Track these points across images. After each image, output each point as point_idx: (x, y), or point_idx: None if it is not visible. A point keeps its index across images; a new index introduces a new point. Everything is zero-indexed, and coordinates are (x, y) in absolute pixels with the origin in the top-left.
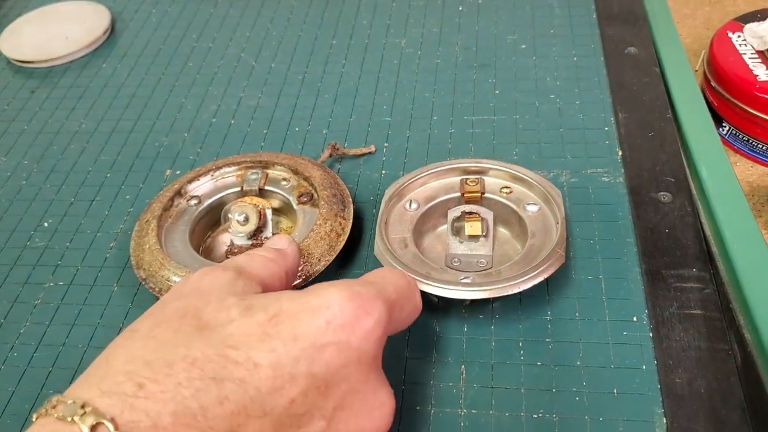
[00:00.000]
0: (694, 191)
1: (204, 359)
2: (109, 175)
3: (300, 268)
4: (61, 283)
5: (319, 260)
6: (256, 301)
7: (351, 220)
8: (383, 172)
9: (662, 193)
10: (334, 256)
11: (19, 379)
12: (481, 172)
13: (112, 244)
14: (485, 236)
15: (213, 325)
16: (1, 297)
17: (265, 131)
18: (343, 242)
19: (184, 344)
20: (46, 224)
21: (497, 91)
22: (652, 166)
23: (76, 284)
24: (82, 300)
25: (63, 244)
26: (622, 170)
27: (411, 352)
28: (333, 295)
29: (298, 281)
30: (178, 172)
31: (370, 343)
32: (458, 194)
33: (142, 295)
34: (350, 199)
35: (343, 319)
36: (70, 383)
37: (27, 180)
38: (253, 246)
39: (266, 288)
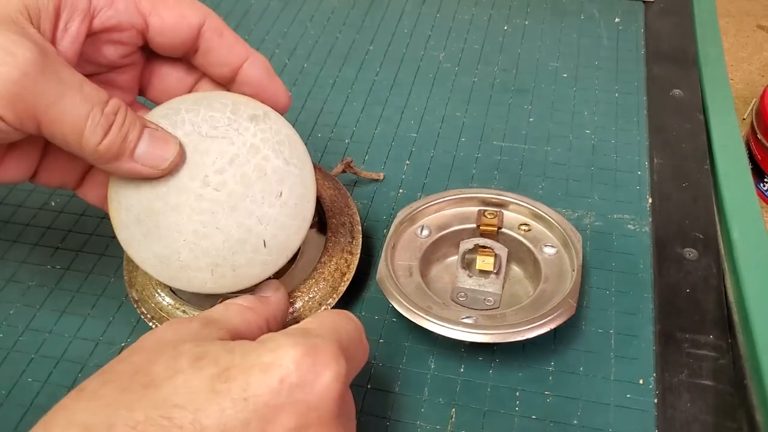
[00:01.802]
0: (722, 251)
1: (147, 422)
2: None
3: (292, 311)
4: (59, 267)
5: (320, 305)
6: (211, 349)
7: (358, 254)
8: (401, 191)
9: (688, 250)
10: (336, 299)
11: (0, 362)
12: (501, 205)
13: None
14: (496, 273)
15: (161, 379)
16: None
17: None
18: (348, 282)
19: (128, 406)
20: (53, 203)
21: (531, 119)
22: (682, 218)
23: (73, 269)
24: (77, 287)
25: (66, 226)
26: (650, 219)
27: (401, 387)
28: (287, 351)
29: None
30: None
31: (330, 402)
32: (474, 225)
33: None
34: (359, 227)
35: (298, 377)
36: (50, 374)
37: None
38: None
39: (240, 338)
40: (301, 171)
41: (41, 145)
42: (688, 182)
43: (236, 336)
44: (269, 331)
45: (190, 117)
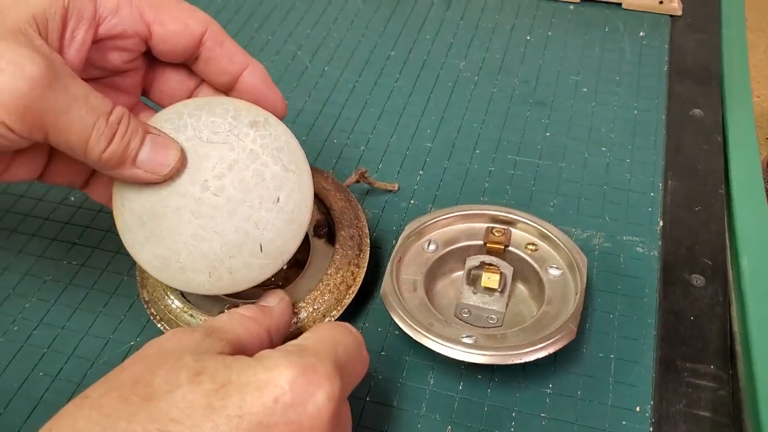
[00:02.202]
0: (730, 280)
1: None
2: None
3: (296, 321)
4: (74, 262)
5: (324, 316)
6: (210, 364)
7: (365, 268)
8: (412, 201)
9: (695, 276)
10: (341, 312)
11: (14, 354)
12: (510, 222)
13: None
14: (501, 292)
15: (160, 392)
16: (15, 267)
17: (303, 138)
18: (353, 295)
19: (127, 417)
20: (72, 198)
21: (548, 134)
22: (692, 243)
23: (88, 266)
24: (91, 284)
25: (84, 223)
26: (659, 243)
27: (400, 402)
28: (282, 370)
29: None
30: None
31: (322, 422)
32: (481, 242)
33: None
34: (368, 240)
35: (292, 396)
36: (61, 369)
37: None
38: None
39: (242, 348)
40: (299, 177)
41: (48, 148)
42: (701, 206)
43: (237, 347)
44: (271, 341)
45: (192, 122)
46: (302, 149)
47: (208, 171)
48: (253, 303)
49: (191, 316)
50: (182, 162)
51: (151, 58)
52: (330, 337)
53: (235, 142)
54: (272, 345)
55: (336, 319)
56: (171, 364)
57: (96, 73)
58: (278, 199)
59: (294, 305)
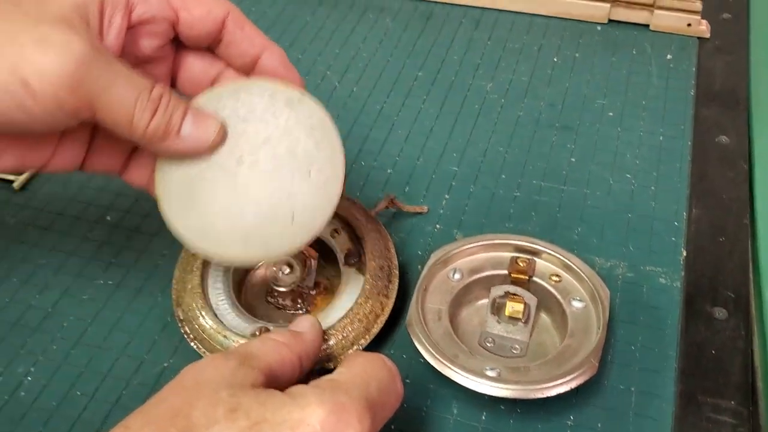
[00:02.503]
0: (753, 313)
1: None
2: None
3: (325, 348)
4: (111, 282)
5: (353, 344)
6: (244, 401)
7: (393, 298)
8: (437, 226)
9: (718, 308)
10: (369, 340)
11: (53, 373)
12: (535, 253)
13: (165, 252)
14: (525, 322)
15: (199, 426)
16: (55, 285)
17: None
18: (381, 325)
19: None
20: (108, 218)
21: (573, 159)
22: (715, 275)
23: (124, 286)
24: (127, 304)
25: (120, 242)
26: (682, 274)
27: (424, 431)
28: (314, 409)
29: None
30: None
31: None
32: (506, 272)
33: None
34: (396, 272)
35: None
36: (97, 389)
37: None
38: (294, 292)
39: (274, 375)
40: (331, 154)
41: (89, 133)
42: (725, 236)
43: (270, 375)
44: (301, 366)
45: (231, 103)
46: (335, 127)
47: (244, 146)
48: (284, 327)
49: (224, 336)
50: (222, 135)
51: (176, 47)
52: (363, 372)
53: (271, 120)
54: (302, 371)
55: (364, 348)
56: (208, 398)
57: (130, 60)
58: (309, 173)
59: (324, 332)
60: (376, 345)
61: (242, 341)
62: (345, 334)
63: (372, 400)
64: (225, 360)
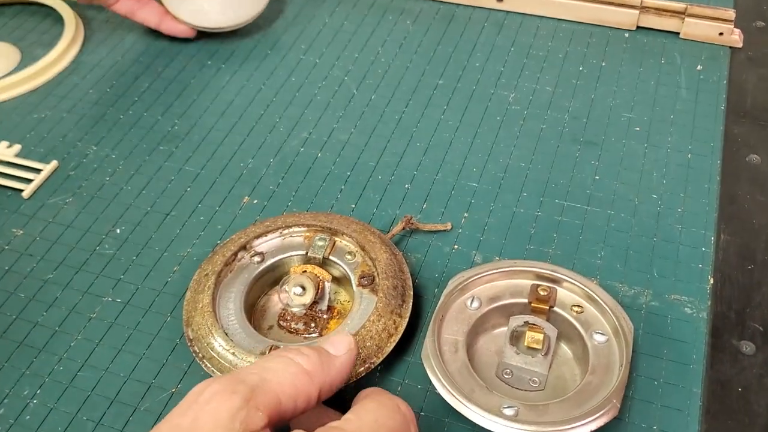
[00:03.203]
0: None
1: None
2: (189, 189)
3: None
4: (119, 300)
5: (364, 362)
6: None
7: (407, 318)
8: (455, 247)
9: (745, 342)
10: (381, 359)
11: (59, 396)
12: (556, 281)
13: (175, 269)
14: (545, 354)
15: None
16: (62, 302)
17: (348, 173)
18: (394, 344)
19: None
20: (118, 231)
21: (597, 177)
22: (743, 306)
23: (132, 305)
24: (135, 324)
25: (130, 257)
26: (708, 303)
27: None
28: None
29: None
30: (255, 201)
31: None
32: (525, 300)
33: None
34: (411, 292)
35: None
36: (104, 415)
37: (111, 177)
38: (307, 315)
39: (282, 412)
40: None
41: None
42: (754, 264)
43: (275, 413)
44: (318, 399)
45: None
46: None
47: None
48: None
49: (233, 354)
50: None
51: None
52: (373, 422)
53: None
54: (319, 402)
55: (375, 366)
56: None
57: None
58: None
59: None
60: (388, 371)
61: (251, 359)
62: (357, 352)
63: None
64: (230, 395)
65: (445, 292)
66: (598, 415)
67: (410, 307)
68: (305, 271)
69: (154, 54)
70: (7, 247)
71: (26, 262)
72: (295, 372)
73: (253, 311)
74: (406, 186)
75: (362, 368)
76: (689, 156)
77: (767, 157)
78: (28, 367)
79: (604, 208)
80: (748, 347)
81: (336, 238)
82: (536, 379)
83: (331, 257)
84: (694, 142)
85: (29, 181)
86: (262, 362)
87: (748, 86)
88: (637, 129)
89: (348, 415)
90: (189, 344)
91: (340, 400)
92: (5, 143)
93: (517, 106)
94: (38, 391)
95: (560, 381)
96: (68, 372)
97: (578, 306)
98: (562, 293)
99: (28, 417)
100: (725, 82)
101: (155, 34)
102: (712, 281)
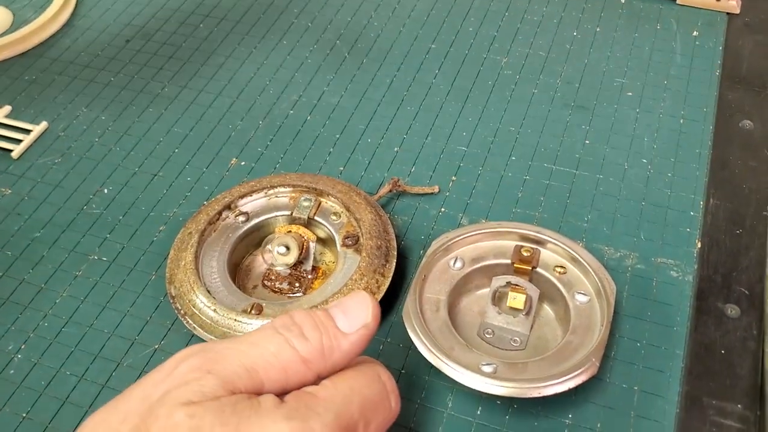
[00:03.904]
0: (767, 312)
1: None
2: (177, 150)
3: None
4: (105, 258)
5: None
6: (205, 422)
7: (390, 278)
8: (442, 209)
9: (730, 306)
10: None
11: (43, 352)
12: (540, 242)
13: (161, 228)
14: (526, 314)
15: None
16: (48, 260)
17: (337, 136)
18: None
19: None
20: (106, 191)
21: (587, 141)
22: (729, 270)
23: (118, 263)
24: (120, 282)
25: (116, 217)
26: (695, 267)
27: (417, 424)
28: None
29: None
30: (243, 163)
31: None
32: (509, 261)
33: None
34: (395, 253)
35: None
36: (87, 370)
37: (100, 138)
38: (291, 275)
39: (261, 391)
40: None
41: None
42: (742, 229)
43: (254, 390)
44: (314, 382)
45: None
46: None
47: None
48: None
49: (215, 311)
50: None
51: None
52: (348, 389)
53: None
54: (316, 382)
55: None
56: (164, 419)
57: None
58: None
59: (316, 306)
60: None
61: (232, 316)
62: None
63: (349, 422)
64: (204, 375)
65: (429, 252)
66: (576, 373)
67: (393, 267)
68: (290, 231)
69: (146, 18)
70: None
71: (14, 221)
72: (290, 358)
73: (237, 271)
74: (395, 149)
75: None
76: (681, 121)
77: (761, 122)
78: (13, 323)
79: (592, 172)
80: (733, 310)
81: (321, 199)
82: (517, 339)
83: (316, 218)
84: (687, 108)
85: (19, 141)
86: (254, 336)
87: (744, 52)
88: (630, 94)
89: (325, 381)
90: (171, 301)
91: None
92: None
93: (509, 71)
94: (22, 347)
95: (541, 341)
96: (53, 328)
97: (561, 267)
98: (546, 254)
99: (12, 371)
100: (721, 48)
101: None
102: (699, 245)
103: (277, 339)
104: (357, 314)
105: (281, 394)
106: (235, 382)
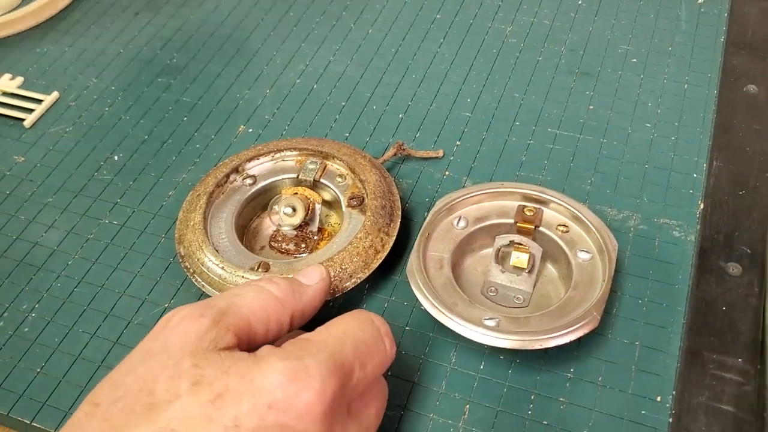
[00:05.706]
0: None
1: None
2: (186, 118)
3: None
4: (116, 222)
5: (351, 277)
6: (208, 372)
7: (394, 237)
8: (447, 173)
9: (732, 264)
10: (367, 274)
11: (56, 310)
12: (543, 202)
13: (170, 193)
14: (529, 272)
15: (162, 402)
16: (60, 224)
17: (343, 104)
18: (380, 260)
19: (132, 429)
20: (116, 158)
21: (591, 107)
22: (731, 230)
23: (128, 227)
24: (130, 244)
25: (126, 182)
26: (698, 227)
27: (421, 378)
28: (276, 376)
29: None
30: (250, 130)
31: (315, 423)
32: (512, 221)
33: None
34: (399, 213)
35: (285, 401)
36: (99, 327)
37: (110, 108)
38: (297, 236)
39: (251, 334)
40: None
41: None
42: (745, 190)
43: (245, 334)
44: (291, 325)
45: None
46: None
47: None
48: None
49: (223, 269)
50: None
51: None
52: (341, 333)
53: None
54: (292, 328)
55: (362, 282)
56: (172, 370)
57: None
58: None
59: (322, 264)
60: (376, 290)
61: (240, 273)
62: (343, 267)
63: (344, 361)
64: (198, 318)
65: (433, 211)
66: (577, 326)
67: (398, 226)
68: (296, 193)
69: None
70: (8, 173)
71: (27, 187)
72: (267, 297)
73: (245, 233)
74: (400, 116)
75: (349, 282)
76: (686, 86)
77: (765, 87)
78: (27, 283)
79: (596, 136)
80: (735, 269)
81: (327, 162)
82: (520, 296)
83: (322, 180)
84: (692, 73)
85: (31, 111)
86: (233, 290)
87: (749, 18)
88: (634, 60)
89: (319, 327)
90: (180, 260)
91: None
92: (8, 75)
93: (514, 39)
94: (36, 306)
95: (544, 299)
96: (65, 288)
97: (564, 225)
98: (549, 214)
99: (26, 329)
100: (726, 14)
101: None
102: (702, 206)
103: (254, 286)
104: (314, 274)
105: (271, 342)
106: (240, 334)
